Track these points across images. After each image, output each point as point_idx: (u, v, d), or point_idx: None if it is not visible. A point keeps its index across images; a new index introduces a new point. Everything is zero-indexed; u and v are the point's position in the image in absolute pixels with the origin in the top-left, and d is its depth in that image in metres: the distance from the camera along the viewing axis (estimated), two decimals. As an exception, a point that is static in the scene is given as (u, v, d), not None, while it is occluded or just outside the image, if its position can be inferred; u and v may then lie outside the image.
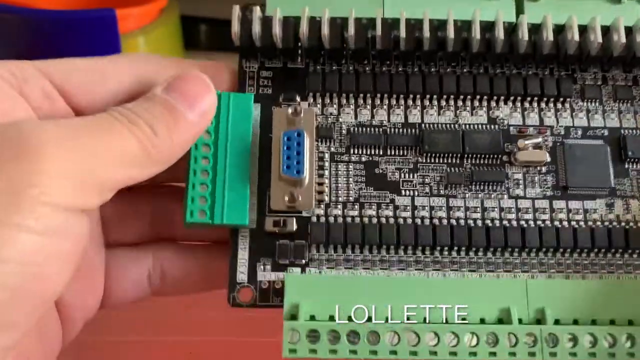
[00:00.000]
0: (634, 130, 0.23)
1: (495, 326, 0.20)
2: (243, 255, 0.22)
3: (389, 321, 0.20)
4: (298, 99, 0.23)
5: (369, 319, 0.21)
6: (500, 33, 0.22)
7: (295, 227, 0.22)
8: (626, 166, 0.23)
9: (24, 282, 0.16)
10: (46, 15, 0.34)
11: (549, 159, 0.23)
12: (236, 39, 0.23)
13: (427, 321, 0.21)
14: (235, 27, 0.23)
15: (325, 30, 0.22)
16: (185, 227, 0.22)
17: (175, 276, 0.24)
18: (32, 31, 0.34)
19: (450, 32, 0.22)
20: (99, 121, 0.18)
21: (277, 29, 0.22)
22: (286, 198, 0.21)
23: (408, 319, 0.21)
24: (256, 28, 0.22)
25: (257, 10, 0.22)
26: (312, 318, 0.20)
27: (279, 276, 0.22)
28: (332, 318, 0.21)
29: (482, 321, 0.21)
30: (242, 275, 0.22)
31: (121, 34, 0.35)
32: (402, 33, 0.22)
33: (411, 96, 0.23)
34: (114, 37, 0.34)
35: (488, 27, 0.23)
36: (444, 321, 0.21)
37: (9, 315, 0.16)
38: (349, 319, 0.21)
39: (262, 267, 0.22)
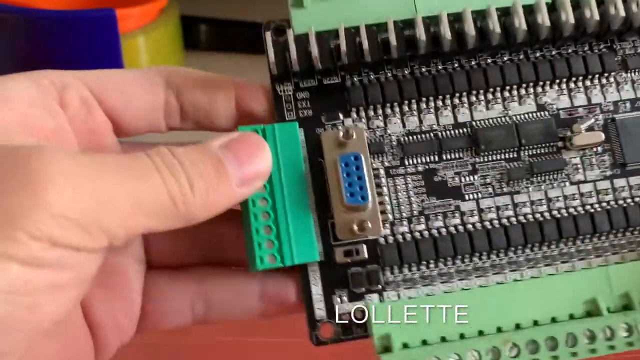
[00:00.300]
0: (680, 95, 0.23)
1: (590, 320, 0.20)
2: (317, 290, 0.21)
3: (485, 333, 0.20)
4: (341, 116, 0.22)
5: (462, 336, 0.20)
6: (544, 17, 0.21)
7: (367, 254, 0.21)
8: (678, 135, 0.23)
9: (13, 311, 0.15)
10: (46, 15, 0.34)
11: (603, 137, 0.22)
12: (273, 67, 0.21)
13: (520, 327, 0.20)
14: (271, 55, 0.21)
15: (365, 44, 0.21)
16: (254, 270, 0.21)
17: (223, 303, 0.22)
18: (32, 31, 0.34)
19: (495, 25, 0.21)
20: (133, 163, 0.17)
21: (315, 50, 0.21)
22: (355, 227, 0.21)
23: (499, 329, 0.20)
24: (293, 53, 0.21)
25: (290, 34, 0.21)
26: (405, 346, 0.20)
27: (357, 306, 0.21)
28: (424, 342, 0.20)
29: (572, 317, 0.21)
30: (320, 312, 0.21)
31: (121, 33, 0.34)
32: (446, 33, 0.21)
33: (457, 95, 0.22)
34: (114, 37, 0.34)
35: (528, 11, 0.22)
36: (534, 324, 0.20)
37: None
38: (443, 339, 0.20)
39: (338, 299, 0.21)
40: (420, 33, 0.21)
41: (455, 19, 0.22)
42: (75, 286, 0.17)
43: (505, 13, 0.22)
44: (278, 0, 0.23)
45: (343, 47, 0.21)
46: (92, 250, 0.17)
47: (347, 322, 0.21)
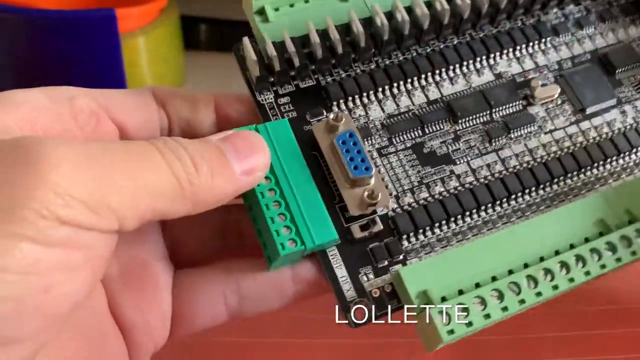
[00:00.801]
0: (608, 47, 0.26)
1: (605, 237, 0.21)
2: (342, 272, 0.21)
3: (515, 270, 0.20)
4: (324, 112, 0.23)
5: (494, 278, 0.20)
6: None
7: (382, 225, 0.21)
8: (617, 77, 0.26)
9: (26, 293, 0.15)
10: (46, 15, 0.33)
11: (559, 89, 0.25)
12: (254, 70, 0.22)
13: (544, 259, 0.21)
14: (252, 56, 0.22)
15: (334, 34, 0.23)
16: (275, 266, 0.20)
17: (257, 292, 0.21)
18: (32, 31, 0.34)
19: (445, 5, 0.24)
20: (136, 147, 0.17)
21: (292, 47, 0.22)
22: (365, 196, 0.21)
23: (526, 265, 0.21)
24: (271, 52, 0.22)
25: (266, 38, 0.22)
26: (444, 299, 0.20)
27: (385, 279, 0.21)
28: (460, 292, 0.20)
29: (587, 240, 0.21)
30: (350, 292, 0.21)
31: (121, 33, 0.34)
32: (403, 18, 0.23)
33: (423, 76, 0.24)
34: (114, 37, 0.34)
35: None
36: (557, 252, 0.21)
37: (13, 329, 0.15)
38: (477, 285, 0.20)
39: (364, 277, 0.21)
40: (383, 21, 0.23)
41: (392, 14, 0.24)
42: (87, 267, 0.16)
43: (447, -1, 0.25)
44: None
45: (314, 39, 0.23)
46: (102, 231, 0.16)
47: (378, 296, 0.21)
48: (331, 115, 0.22)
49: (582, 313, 0.28)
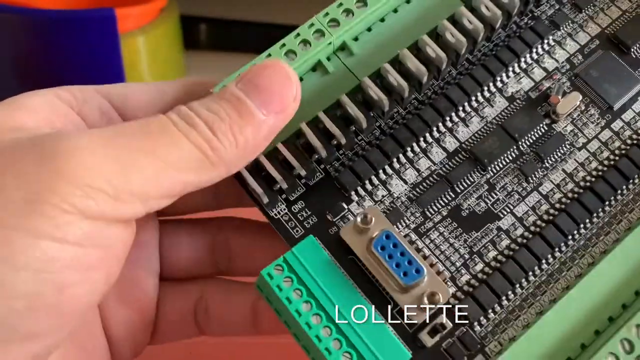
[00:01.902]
0: (613, 25, 0.24)
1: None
2: (424, 386, 0.19)
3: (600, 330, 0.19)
4: (345, 205, 0.21)
5: (583, 346, 0.19)
6: (473, 20, 0.21)
7: (450, 322, 0.20)
8: (633, 54, 0.23)
9: (40, 290, 0.15)
10: (46, 15, 0.34)
11: (580, 96, 0.22)
12: (263, 197, 0.20)
13: (626, 306, 0.19)
14: (256, 186, 0.20)
15: (333, 129, 0.20)
16: None
17: (220, 314, 0.22)
18: (32, 31, 0.34)
19: (437, 49, 0.21)
20: (149, 126, 0.17)
21: (294, 161, 0.20)
22: (425, 299, 0.19)
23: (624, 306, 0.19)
24: (276, 174, 0.20)
25: (262, 158, 0.20)
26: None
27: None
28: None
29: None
30: (440, 405, 0.19)
31: (121, 33, 0.34)
32: (397, 79, 0.20)
33: (435, 128, 0.22)
34: (114, 37, 0.34)
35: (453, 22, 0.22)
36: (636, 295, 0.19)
37: (26, 326, 0.15)
38: (583, 347, 0.19)
39: (448, 382, 0.19)
40: (375, 92, 0.20)
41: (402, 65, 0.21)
42: (102, 268, 0.16)
43: (434, 35, 0.22)
44: (277, 0, 0.21)
45: (315, 142, 0.20)
46: (131, 217, 0.16)
47: (470, 399, 0.19)
48: (359, 219, 0.20)
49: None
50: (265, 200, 0.20)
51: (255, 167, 0.20)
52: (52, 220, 0.15)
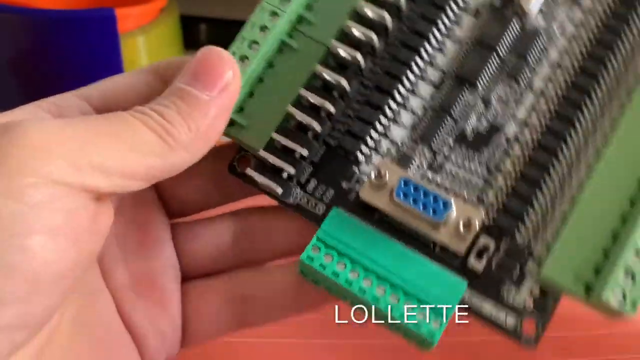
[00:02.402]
0: None
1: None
2: (488, 309, 0.20)
3: None
4: (355, 168, 0.21)
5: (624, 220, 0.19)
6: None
7: (492, 240, 0.20)
8: None
9: (3, 252, 0.15)
10: (46, 15, 0.34)
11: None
12: (277, 188, 0.20)
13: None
14: (267, 182, 0.20)
15: (318, 101, 0.20)
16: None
17: (260, 299, 0.22)
18: (32, 31, 0.34)
19: None
20: (108, 116, 0.18)
21: (292, 144, 0.20)
22: (461, 228, 0.19)
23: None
24: (280, 163, 0.20)
25: (262, 152, 0.20)
26: (598, 272, 0.19)
27: (528, 286, 0.20)
28: (607, 255, 0.19)
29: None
30: (510, 320, 0.19)
31: (121, 33, 0.34)
32: (365, 34, 0.21)
33: (413, 64, 0.22)
34: (114, 37, 0.34)
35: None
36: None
37: None
38: (615, 239, 0.19)
39: (510, 297, 0.20)
40: (346, 51, 0.21)
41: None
42: (70, 232, 0.16)
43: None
44: None
45: (305, 119, 0.20)
46: (90, 189, 0.17)
47: (534, 305, 0.19)
48: (372, 177, 0.20)
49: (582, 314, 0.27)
50: (280, 191, 0.20)
51: (259, 163, 0.20)
52: (10, 181, 0.15)
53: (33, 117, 0.19)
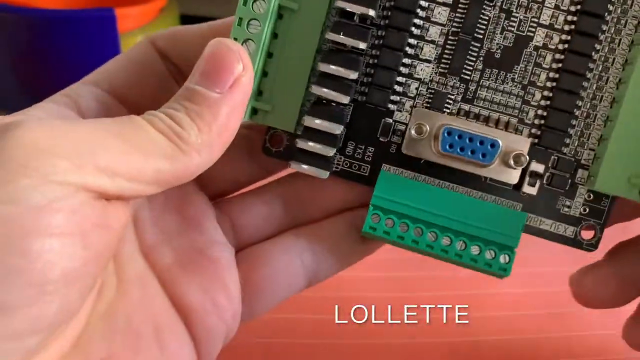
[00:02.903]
0: None
1: None
2: (548, 224, 0.21)
3: None
4: (390, 120, 0.21)
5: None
6: None
7: (540, 163, 0.20)
8: None
9: (2, 256, 0.14)
10: (46, 15, 0.35)
11: None
12: (322, 172, 0.20)
13: None
14: (312, 170, 0.20)
15: (342, 72, 0.19)
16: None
17: (332, 248, 0.22)
18: (32, 30, 0.35)
19: None
20: (119, 118, 0.17)
21: (318, 123, 0.19)
22: (512, 163, 0.19)
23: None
24: (313, 146, 0.19)
25: (298, 142, 0.19)
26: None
27: (581, 193, 0.20)
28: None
29: None
30: (568, 231, 0.21)
31: (120, 33, 0.35)
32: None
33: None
34: (114, 37, 0.35)
35: None
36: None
37: None
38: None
39: (565, 208, 0.21)
40: (354, 8, 0.19)
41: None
42: (76, 230, 0.16)
43: None
44: None
45: (329, 95, 0.19)
46: (94, 190, 0.16)
47: (588, 210, 0.20)
48: (413, 132, 0.19)
49: (582, 314, 0.26)
50: (325, 175, 0.20)
51: (298, 150, 0.20)
52: (8, 183, 0.15)
53: (48, 114, 0.18)
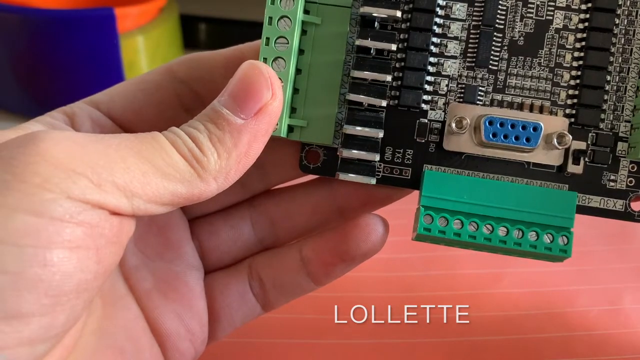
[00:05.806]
0: None
1: None
2: (597, 201, 0.21)
3: None
4: (425, 120, 0.21)
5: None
6: None
7: (583, 143, 0.20)
8: None
9: (24, 265, 0.15)
10: (46, 15, 0.35)
11: None
12: (369, 178, 0.20)
13: None
14: (360, 178, 0.19)
15: (375, 76, 0.19)
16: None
17: (273, 279, 0.22)
18: (32, 30, 0.35)
19: None
20: (141, 134, 0.17)
21: (365, 131, 0.19)
22: (556, 143, 0.19)
23: None
24: (352, 154, 0.19)
25: (340, 152, 0.19)
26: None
27: (624, 165, 0.20)
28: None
29: None
30: (619, 204, 0.20)
31: (120, 33, 0.35)
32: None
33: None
34: (113, 36, 0.35)
35: None
36: None
37: (13, 303, 0.15)
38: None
39: (611, 182, 0.20)
40: (380, 12, 0.19)
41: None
42: (90, 246, 0.16)
43: None
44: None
45: (369, 101, 0.19)
46: (111, 209, 0.16)
47: (635, 182, 0.20)
48: (453, 126, 0.19)
49: (582, 314, 0.27)
50: (373, 181, 0.20)
51: (342, 160, 0.20)
52: (31, 196, 0.15)
53: (50, 128, 0.19)
